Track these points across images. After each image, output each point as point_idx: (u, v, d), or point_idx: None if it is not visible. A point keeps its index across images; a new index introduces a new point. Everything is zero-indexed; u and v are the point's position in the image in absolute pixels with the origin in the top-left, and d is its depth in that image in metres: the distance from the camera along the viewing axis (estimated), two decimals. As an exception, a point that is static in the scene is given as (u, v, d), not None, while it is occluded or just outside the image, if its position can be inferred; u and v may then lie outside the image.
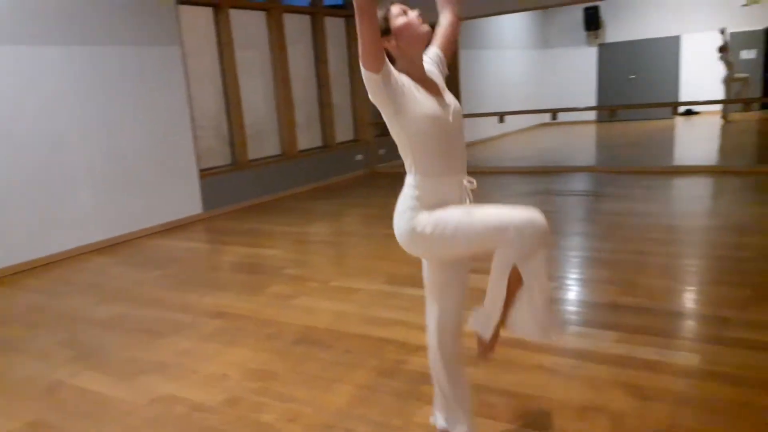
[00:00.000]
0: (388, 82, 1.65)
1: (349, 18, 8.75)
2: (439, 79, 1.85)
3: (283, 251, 5.06)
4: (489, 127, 11.50)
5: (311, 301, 3.72)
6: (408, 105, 1.69)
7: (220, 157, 6.98)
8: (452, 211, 1.72)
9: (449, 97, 1.81)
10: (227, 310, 3.65)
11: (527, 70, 14.39)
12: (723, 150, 9.47)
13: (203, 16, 6.67)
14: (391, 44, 1.72)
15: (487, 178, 7.72)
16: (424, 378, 2.58)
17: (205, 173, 6.52)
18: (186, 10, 6.35)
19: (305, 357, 2.92)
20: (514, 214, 1.66)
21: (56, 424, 2.49)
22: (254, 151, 7.31)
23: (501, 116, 8.32)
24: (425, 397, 2.42)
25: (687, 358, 2.62)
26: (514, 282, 1.71)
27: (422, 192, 1.75)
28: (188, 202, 6.34)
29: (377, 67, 1.62)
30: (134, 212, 5.77)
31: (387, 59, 1.66)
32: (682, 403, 2.28)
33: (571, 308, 3.36)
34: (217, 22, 6.76)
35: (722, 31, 11.79)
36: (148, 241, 5.63)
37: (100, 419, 2.50)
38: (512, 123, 12.42)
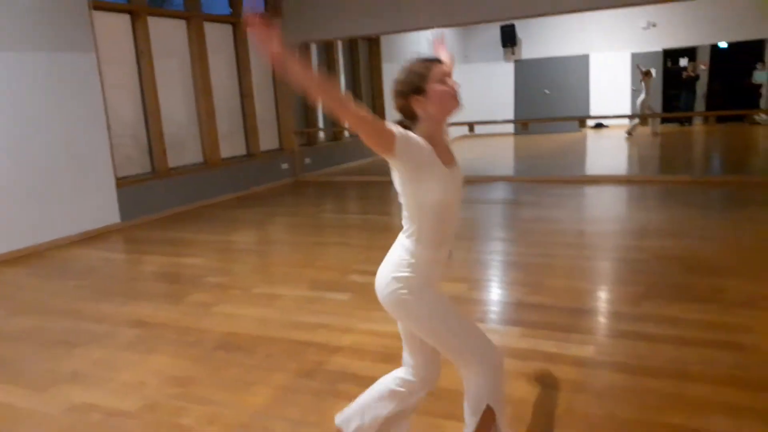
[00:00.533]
0: (403, 155, 1.60)
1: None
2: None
3: (205, 260, 5.04)
4: (412, 138, 11.79)
5: (233, 308, 3.74)
6: (425, 175, 1.64)
7: (139, 165, 6.84)
8: (435, 305, 1.75)
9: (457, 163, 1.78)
10: (146, 320, 3.61)
11: (449, 83, 14.85)
12: (628, 161, 10.16)
13: (120, 23, 6.54)
14: (419, 103, 1.66)
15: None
16: (343, 377, 2.70)
17: (122, 182, 6.37)
18: (101, 16, 6.20)
19: (225, 362, 2.96)
20: (476, 351, 1.75)
21: (-38, 438, 2.42)
22: (175, 160, 7.20)
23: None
24: (342, 394, 2.53)
25: (582, 350, 2.86)
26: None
27: (417, 261, 1.72)
28: (105, 211, 6.16)
29: (389, 151, 1.57)
30: (48, 222, 5.56)
31: (400, 130, 1.60)
32: (577, 390, 2.50)
33: (485, 307, 3.57)
34: (134, 30, 6.64)
35: (638, 66, 12.68)
36: (63, 252, 5.44)
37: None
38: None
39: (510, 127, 14.79)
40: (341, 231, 6.04)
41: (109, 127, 6.16)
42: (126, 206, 6.36)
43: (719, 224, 5.24)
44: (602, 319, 3.29)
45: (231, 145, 8.17)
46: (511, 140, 13.98)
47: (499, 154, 12.25)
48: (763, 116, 13.54)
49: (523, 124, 8.54)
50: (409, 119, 1.70)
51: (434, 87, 1.66)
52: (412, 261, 1.72)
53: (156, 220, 6.65)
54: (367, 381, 2.61)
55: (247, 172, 8.25)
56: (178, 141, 7.30)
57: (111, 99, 6.28)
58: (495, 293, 3.86)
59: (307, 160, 9.34)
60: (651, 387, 2.46)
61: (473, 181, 8.35)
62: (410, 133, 1.63)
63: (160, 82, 6.86)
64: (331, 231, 6.12)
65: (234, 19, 8.10)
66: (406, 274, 1.71)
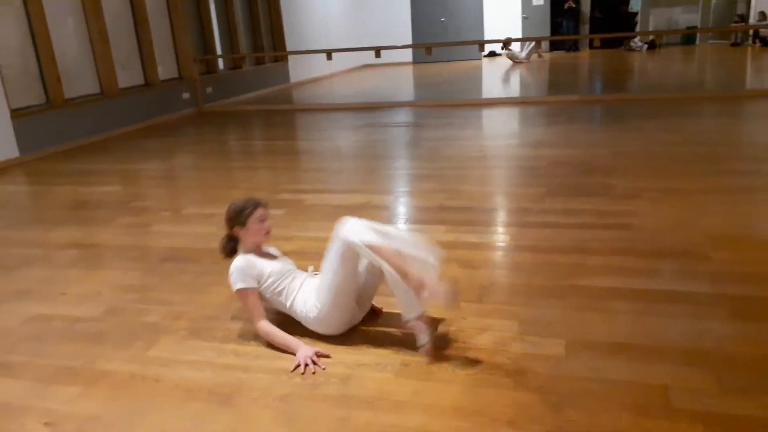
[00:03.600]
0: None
1: (165, -52, 8.30)
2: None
3: (123, 187, 4.98)
4: (318, 67, 11.85)
5: (168, 227, 3.83)
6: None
7: (33, 95, 6.43)
8: None
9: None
10: (80, 242, 3.62)
11: (347, 10, 14.74)
12: (521, 85, 10.79)
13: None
14: (240, 233, 2.37)
15: (321, 114, 8.05)
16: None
17: (17, 113, 6.00)
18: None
19: (176, 271, 3.09)
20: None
21: None
22: (71, 90, 6.83)
23: (329, 53, 8.63)
24: (296, 286, 2.76)
25: (500, 238, 3.29)
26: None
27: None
28: (1, 145, 5.82)
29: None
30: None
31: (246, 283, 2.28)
32: (498, 268, 2.92)
33: (411, 211, 3.91)
34: (14, -56, 6.09)
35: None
36: (-40, 188, 5.14)
37: (-29, 344, 2.48)
38: (339, 63, 12.83)
39: (409, 56, 15.03)
40: (256, 156, 6.12)
41: (-4, 54, 5.74)
42: (24, 139, 6.03)
43: (603, 135, 5.87)
44: (514, 215, 3.73)
45: (128, 75, 7.82)
46: (411, 69, 14.25)
47: (401, 81, 12.50)
48: (638, 42, 14.68)
49: (427, 48, 8.78)
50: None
51: (253, 224, 2.36)
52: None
53: (57, 152, 6.36)
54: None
55: (148, 102, 7.97)
56: (72, 69, 6.89)
57: (-5, 22, 5.82)
58: (419, 200, 4.20)
59: (209, 90, 9.11)
60: (559, 261, 2.92)
61: (380, 107, 8.58)
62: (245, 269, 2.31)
63: (46, 6, 6.39)
64: (245, 156, 6.19)
65: (122, -63, 7.57)
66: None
